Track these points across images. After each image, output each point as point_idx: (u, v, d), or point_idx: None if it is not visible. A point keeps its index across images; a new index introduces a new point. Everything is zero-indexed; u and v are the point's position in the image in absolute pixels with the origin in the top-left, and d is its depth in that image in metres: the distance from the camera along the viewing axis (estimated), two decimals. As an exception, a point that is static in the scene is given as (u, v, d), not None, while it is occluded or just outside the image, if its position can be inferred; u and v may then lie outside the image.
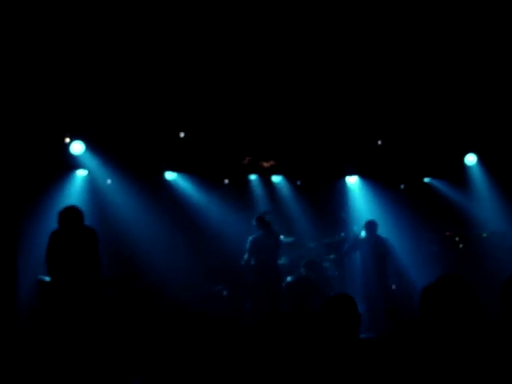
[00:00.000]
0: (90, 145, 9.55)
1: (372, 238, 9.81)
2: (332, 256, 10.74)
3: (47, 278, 7.06)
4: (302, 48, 8.08)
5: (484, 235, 10.82)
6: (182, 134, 10.02)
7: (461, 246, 10.79)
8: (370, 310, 9.38)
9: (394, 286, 10.05)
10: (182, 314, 3.54)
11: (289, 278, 10.07)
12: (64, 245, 6.87)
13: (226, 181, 11.47)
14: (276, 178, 11.86)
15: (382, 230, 10.18)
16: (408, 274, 10.11)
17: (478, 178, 11.33)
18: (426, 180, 11.96)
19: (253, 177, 11.71)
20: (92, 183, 10.19)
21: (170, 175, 11.02)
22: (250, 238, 9.60)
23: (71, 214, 6.92)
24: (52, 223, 7.56)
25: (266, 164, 11.31)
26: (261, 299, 9.44)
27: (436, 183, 11.86)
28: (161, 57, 7.95)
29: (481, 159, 11.24)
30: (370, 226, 9.88)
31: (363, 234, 9.96)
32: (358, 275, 10.14)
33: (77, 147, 9.41)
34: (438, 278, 3.63)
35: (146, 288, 9.75)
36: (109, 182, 10.27)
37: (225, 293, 10.04)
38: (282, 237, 10.44)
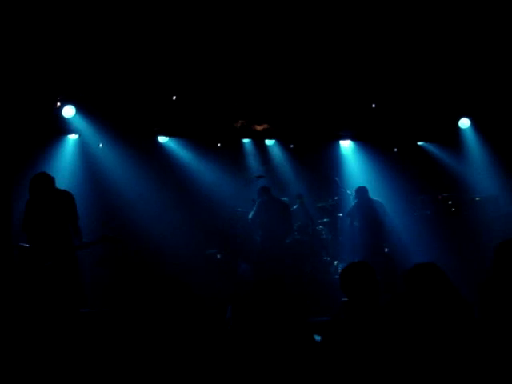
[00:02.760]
0: (81, 108, 9.45)
1: (364, 203, 9.88)
2: (325, 219, 10.78)
3: (27, 245, 6.99)
4: (296, 12, 7.95)
5: (477, 199, 10.86)
6: (174, 97, 9.91)
7: (453, 209, 10.84)
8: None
9: (386, 249, 10.12)
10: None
11: (283, 242, 10.13)
12: (37, 212, 6.76)
13: (219, 144, 11.41)
14: (269, 142, 11.81)
15: (375, 194, 10.21)
16: (401, 237, 10.17)
17: (472, 141, 11.31)
18: (420, 143, 11.93)
19: (246, 140, 11.66)
20: (83, 147, 10.11)
21: (162, 138, 10.95)
22: (259, 200, 9.86)
23: (38, 180, 6.76)
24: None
25: (259, 127, 11.23)
26: (263, 261, 9.60)
27: (429, 147, 11.84)
28: (154, 18, 7.81)
29: (474, 123, 11.20)
30: (360, 191, 9.98)
31: (355, 200, 10.08)
32: (352, 239, 10.20)
33: (68, 111, 9.31)
34: (416, 264, 3.67)
35: (139, 253, 9.79)
36: (100, 145, 10.19)
37: (218, 256, 10.08)
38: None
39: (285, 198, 10.77)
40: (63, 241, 6.72)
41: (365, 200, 9.96)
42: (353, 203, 10.23)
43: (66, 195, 6.87)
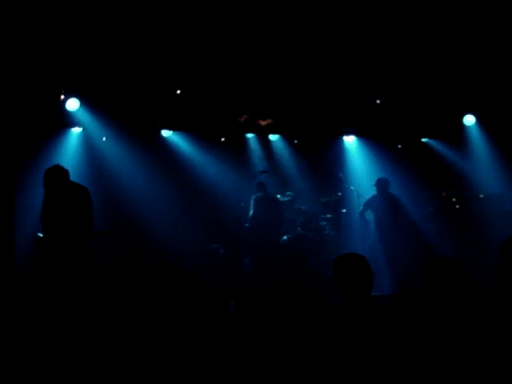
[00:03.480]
0: (86, 101, 9.44)
1: (384, 196, 9.86)
2: (329, 215, 10.76)
3: (41, 235, 7.08)
4: (301, 8, 7.92)
5: (481, 196, 10.83)
6: (178, 91, 9.90)
7: (457, 206, 10.81)
8: (391, 267, 9.39)
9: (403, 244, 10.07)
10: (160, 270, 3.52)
11: (285, 237, 10.12)
12: (53, 203, 6.81)
13: (223, 139, 11.40)
14: (273, 137, 11.79)
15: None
16: (420, 230, 10.15)
17: (477, 138, 11.28)
18: (424, 140, 11.90)
19: (250, 135, 11.64)
20: (87, 140, 10.11)
21: (166, 132, 10.93)
22: (253, 197, 9.99)
23: (53, 173, 6.84)
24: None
25: (263, 122, 11.21)
26: (260, 255, 9.64)
27: (434, 143, 11.81)
28: (158, 12, 7.78)
29: (479, 120, 11.16)
30: (381, 183, 9.94)
31: (374, 192, 10.05)
32: (356, 234, 10.19)
33: (72, 104, 9.30)
34: (437, 259, 3.62)
35: (141, 246, 9.79)
36: (104, 138, 10.18)
37: (221, 251, 10.08)
38: (278, 196, 10.60)
39: (290, 193, 10.83)
40: (76, 233, 6.78)
41: (385, 193, 9.94)
42: (359, 194, 10.23)
43: (81, 189, 6.94)
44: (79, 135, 10.05)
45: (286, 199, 10.84)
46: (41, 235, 7.03)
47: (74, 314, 6.12)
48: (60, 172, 6.85)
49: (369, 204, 10.05)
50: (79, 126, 9.91)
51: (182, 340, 3.19)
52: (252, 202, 10.02)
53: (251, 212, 10.00)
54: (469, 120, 11.20)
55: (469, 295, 3.40)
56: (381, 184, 9.96)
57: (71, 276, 6.60)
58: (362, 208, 10.13)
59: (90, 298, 6.59)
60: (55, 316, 5.94)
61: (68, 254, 6.69)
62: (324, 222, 10.63)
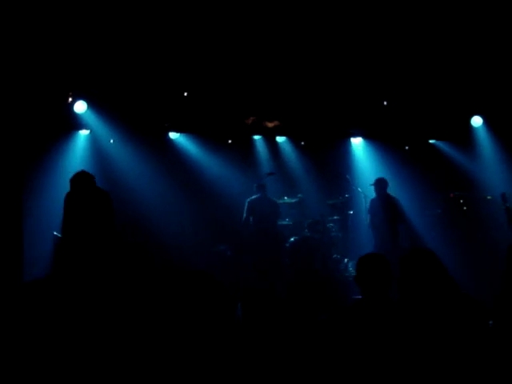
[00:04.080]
0: (93, 104, 9.47)
1: (383, 199, 9.71)
2: (336, 217, 10.76)
3: (59, 234, 7.19)
4: (307, 7, 7.92)
5: (488, 198, 10.78)
6: (185, 93, 9.91)
7: (465, 208, 10.78)
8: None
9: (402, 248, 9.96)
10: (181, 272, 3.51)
11: (292, 239, 10.12)
12: (79, 207, 6.96)
13: (230, 141, 11.41)
14: (280, 139, 11.79)
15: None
16: (421, 234, 10.07)
17: (484, 140, 11.24)
18: (431, 141, 11.88)
19: (257, 137, 11.66)
20: (95, 142, 10.13)
21: (173, 135, 10.96)
22: (248, 199, 9.93)
23: (80, 178, 7.02)
24: (56, 182, 7.60)
25: (270, 124, 11.22)
26: (261, 258, 9.62)
27: (441, 145, 11.79)
28: (165, 14, 7.80)
29: (487, 121, 11.12)
30: (380, 183, 9.80)
31: (373, 192, 9.94)
32: (363, 236, 10.15)
33: (79, 106, 9.33)
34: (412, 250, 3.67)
35: (149, 247, 9.79)
36: (111, 141, 10.20)
37: (229, 253, 10.09)
38: (285, 198, 10.61)
39: (300, 195, 10.84)
40: (97, 237, 6.87)
41: (384, 195, 9.75)
42: (366, 197, 10.19)
43: (104, 194, 7.08)
44: (87, 137, 10.08)
45: (294, 201, 10.86)
46: (58, 234, 7.11)
47: (90, 317, 6.14)
48: (87, 177, 7.06)
49: (370, 210, 9.93)
50: (87, 128, 9.93)
51: (196, 343, 3.19)
52: (246, 206, 9.90)
53: (244, 216, 9.91)
54: (476, 121, 11.18)
55: (443, 286, 3.42)
56: (379, 184, 9.76)
57: (90, 277, 6.66)
58: (368, 219, 9.94)
59: (107, 300, 6.63)
60: (70, 318, 5.96)
61: (88, 256, 6.78)
62: (331, 224, 10.63)
